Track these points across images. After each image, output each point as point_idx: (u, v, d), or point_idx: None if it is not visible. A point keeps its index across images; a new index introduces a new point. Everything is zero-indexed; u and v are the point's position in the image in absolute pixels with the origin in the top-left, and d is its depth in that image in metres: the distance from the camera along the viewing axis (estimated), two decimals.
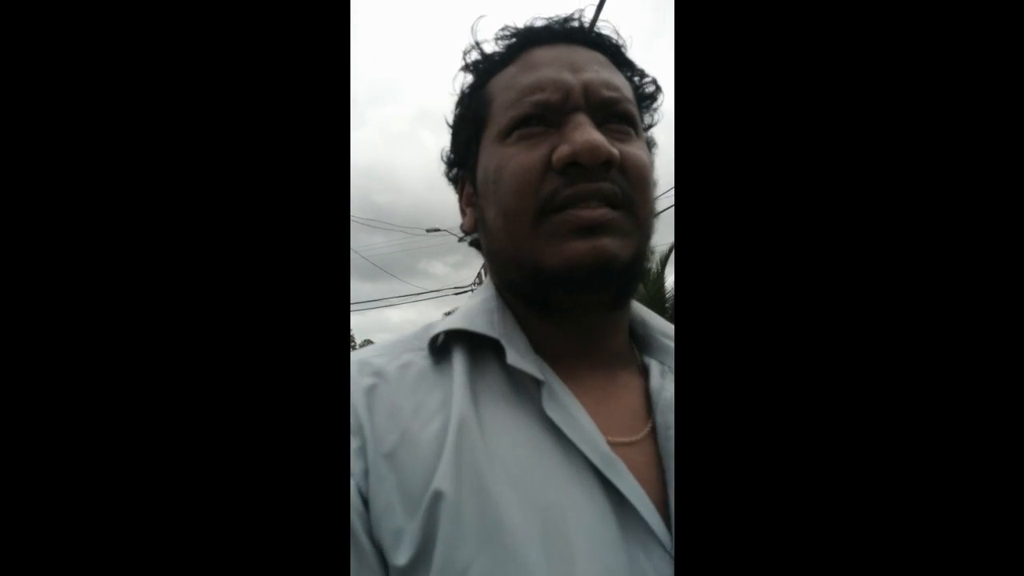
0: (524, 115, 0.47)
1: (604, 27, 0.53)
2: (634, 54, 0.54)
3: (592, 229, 0.43)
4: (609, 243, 0.44)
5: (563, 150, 0.44)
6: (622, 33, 0.53)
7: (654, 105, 0.56)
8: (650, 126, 0.56)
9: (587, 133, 0.44)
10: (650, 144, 0.55)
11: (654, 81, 0.56)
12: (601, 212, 0.44)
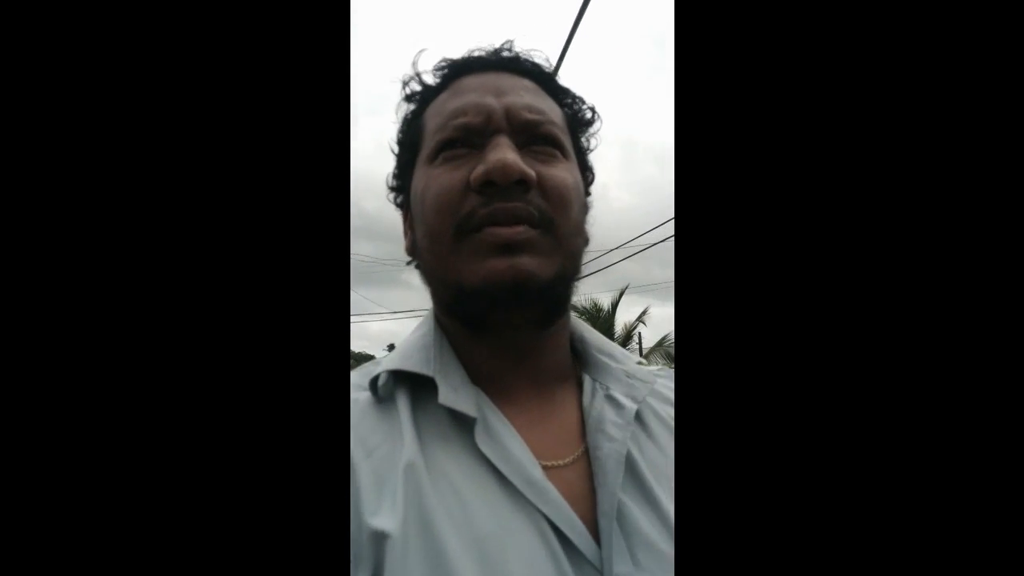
0: (448, 138, 0.49)
1: (536, 55, 0.55)
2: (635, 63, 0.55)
3: (510, 247, 0.44)
4: (527, 261, 0.44)
5: (478, 170, 0.45)
6: (550, 60, 0.55)
7: (591, 130, 0.58)
8: (588, 150, 0.58)
9: (501, 153, 0.45)
10: (585, 168, 0.57)
11: (592, 108, 0.57)
12: (518, 230, 0.45)
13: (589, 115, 0.57)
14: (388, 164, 0.59)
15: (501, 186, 0.45)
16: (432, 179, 0.48)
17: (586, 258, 0.54)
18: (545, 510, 0.42)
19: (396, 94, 0.57)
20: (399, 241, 0.58)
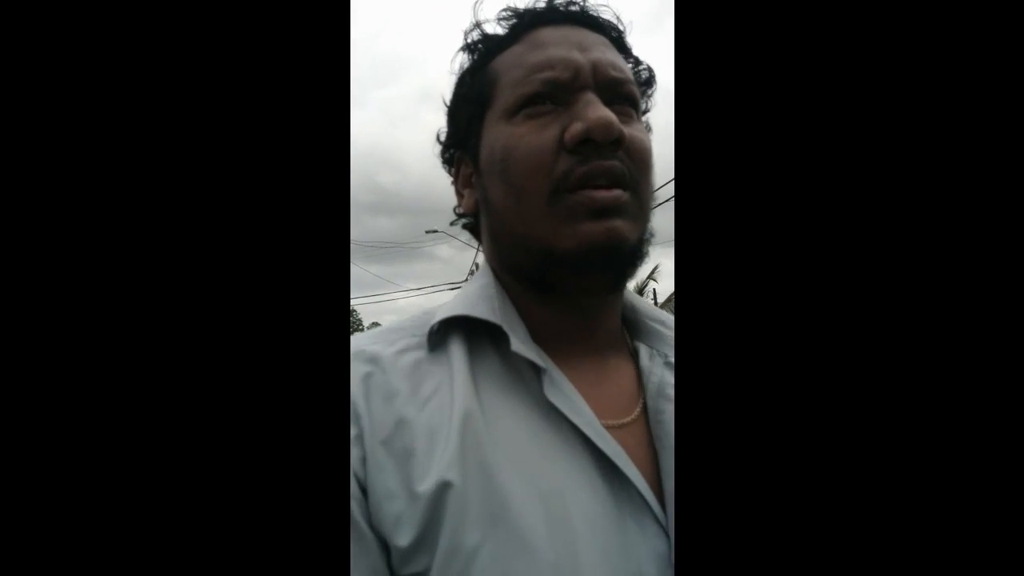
0: (533, 93, 0.47)
1: (605, 11, 0.53)
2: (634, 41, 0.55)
3: (606, 211, 0.44)
4: (621, 225, 0.44)
5: (576, 127, 0.44)
6: (622, 19, 0.54)
7: (649, 91, 0.57)
8: (646, 111, 0.57)
9: (599, 110, 0.44)
10: (648, 129, 0.56)
11: (649, 68, 0.56)
12: (615, 194, 0.44)
13: (647, 75, 0.56)
14: (400, 137, 0.55)
15: (599, 144, 0.44)
16: (518, 137, 0.46)
17: None
18: (619, 464, 0.42)
19: (402, 66, 0.55)
20: (419, 215, 0.56)
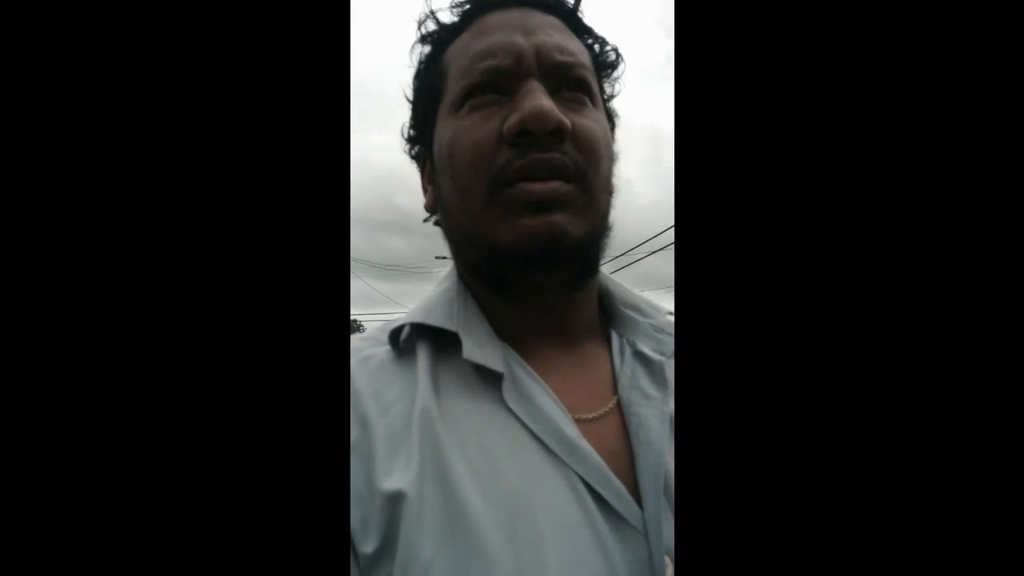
0: (475, 83, 0.45)
1: None
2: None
3: (543, 204, 0.42)
4: (561, 219, 0.42)
5: (512, 119, 0.42)
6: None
7: (615, 74, 0.54)
8: (611, 97, 0.54)
9: (536, 99, 0.42)
10: (610, 115, 0.53)
11: (615, 49, 0.53)
12: (552, 186, 0.42)
13: (613, 57, 0.53)
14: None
15: (536, 136, 0.41)
16: (460, 131, 0.45)
17: (612, 253, 0.52)
18: (580, 469, 0.39)
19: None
20: (432, 237, 0.55)
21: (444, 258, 0.54)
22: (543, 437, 0.41)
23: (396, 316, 0.53)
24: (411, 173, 0.57)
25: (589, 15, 0.52)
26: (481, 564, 0.35)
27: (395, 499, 0.37)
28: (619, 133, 0.54)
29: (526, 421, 0.41)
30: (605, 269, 0.55)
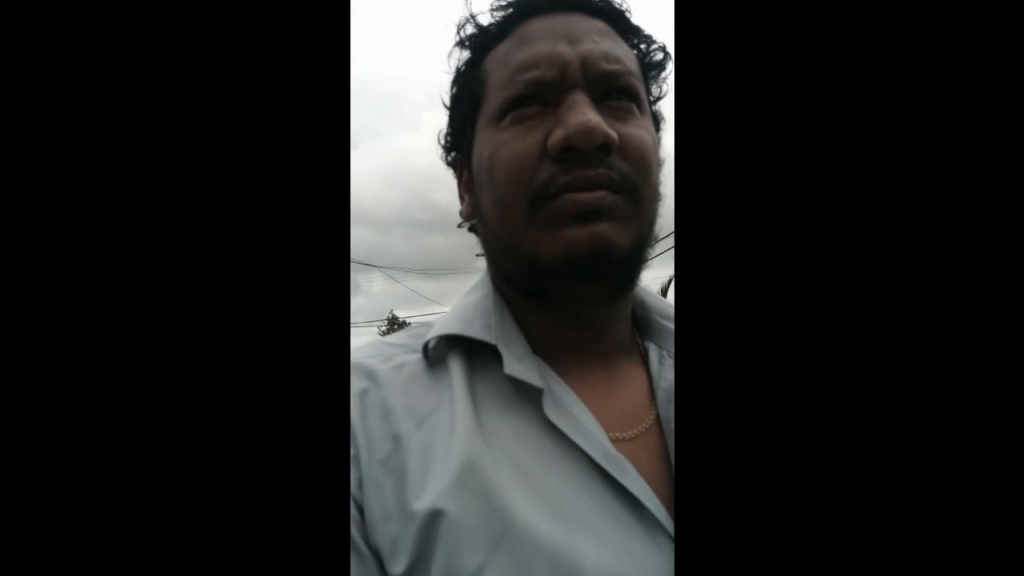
0: (518, 95, 0.43)
1: None
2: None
3: (589, 215, 0.40)
4: (607, 228, 0.40)
5: (557, 135, 0.41)
6: None
7: (662, 75, 0.51)
8: (657, 99, 0.51)
9: (583, 115, 0.40)
10: (657, 119, 0.51)
11: (662, 48, 0.50)
12: (598, 195, 0.40)
13: (660, 56, 0.50)
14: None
15: (583, 152, 0.40)
16: (502, 144, 0.43)
17: (665, 230, 0.49)
18: (624, 481, 0.39)
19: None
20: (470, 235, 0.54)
21: (482, 255, 0.53)
22: (588, 450, 0.40)
23: (438, 315, 0.52)
24: (446, 170, 0.56)
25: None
26: (540, 563, 0.35)
27: (433, 517, 0.36)
28: (665, 85, 0.52)
29: (569, 435, 0.40)
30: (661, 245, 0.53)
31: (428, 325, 0.49)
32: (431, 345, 0.46)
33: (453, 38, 0.51)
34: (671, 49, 0.30)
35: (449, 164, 0.54)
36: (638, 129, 0.44)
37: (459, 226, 0.55)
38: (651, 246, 0.47)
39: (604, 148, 0.41)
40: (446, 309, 0.57)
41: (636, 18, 0.49)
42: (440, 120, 0.55)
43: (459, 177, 0.53)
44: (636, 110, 0.45)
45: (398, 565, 0.36)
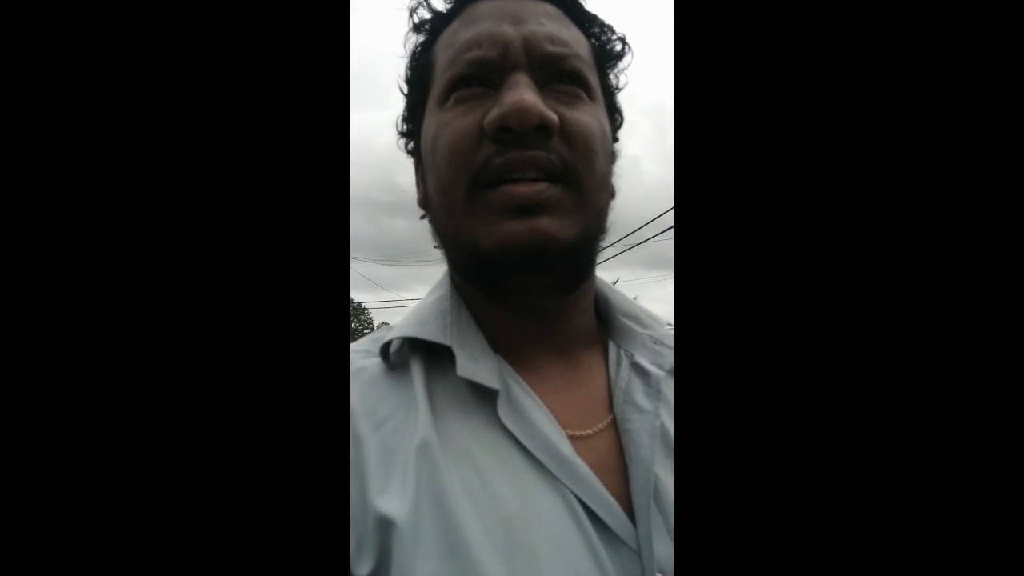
0: (460, 75, 0.42)
1: None
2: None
3: (527, 208, 0.39)
4: (547, 223, 0.39)
5: (492, 113, 0.39)
6: None
7: (621, 65, 0.50)
8: (616, 89, 0.51)
9: (518, 94, 0.39)
10: (613, 110, 0.50)
11: (622, 39, 0.50)
12: (537, 188, 0.39)
13: (619, 47, 0.50)
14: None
15: (519, 132, 0.39)
16: (443, 124, 0.42)
17: (619, 234, 0.50)
18: (574, 488, 0.38)
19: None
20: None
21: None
22: (538, 455, 0.39)
23: (400, 300, 0.52)
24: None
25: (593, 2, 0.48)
26: None
27: (387, 525, 0.36)
28: (623, 76, 0.51)
29: (521, 439, 0.40)
30: (613, 250, 0.53)
31: (389, 328, 0.48)
32: (392, 349, 0.45)
33: (407, 22, 0.49)
34: (671, 49, 0.30)
35: (408, 153, 0.53)
36: (583, 115, 0.42)
37: (421, 218, 0.53)
38: (601, 239, 0.46)
39: (543, 130, 0.39)
40: (408, 295, 0.56)
41: (594, 7, 0.48)
42: (398, 98, 0.52)
43: (416, 164, 0.52)
44: (584, 95, 0.44)
45: (362, 568, 0.36)
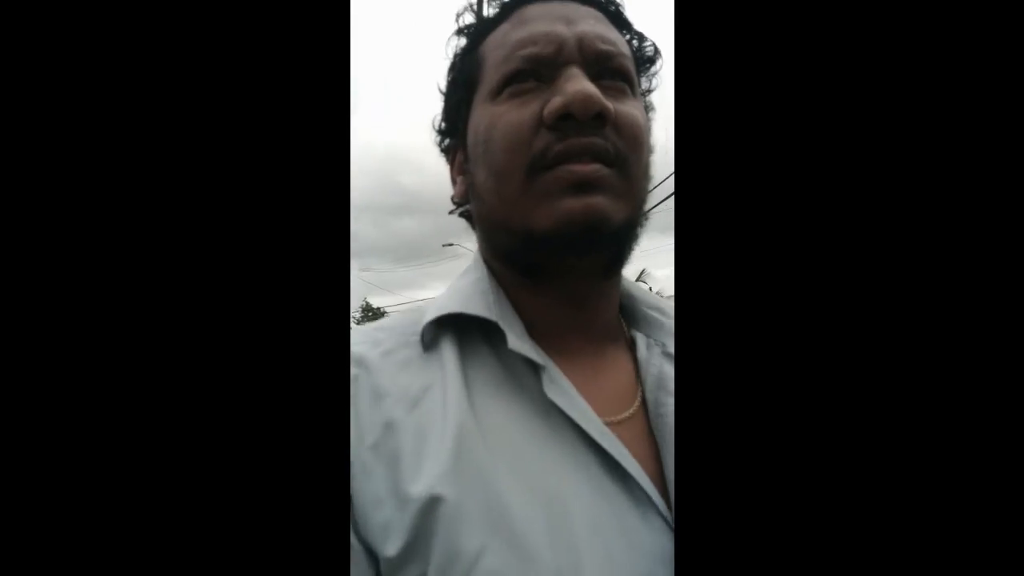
0: (515, 71, 0.45)
1: None
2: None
3: (584, 186, 0.41)
4: (602, 201, 0.42)
5: (555, 102, 0.42)
6: None
7: (653, 69, 0.54)
8: (649, 91, 0.54)
9: (580, 83, 0.42)
10: (648, 108, 0.53)
11: (654, 45, 0.53)
12: (594, 167, 0.42)
13: (651, 52, 0.53)
14: (422, 139, 0.55)
15: (579, 120, 0.41)
16: (498, 116, 0.44)
17: None
18: (621, 460, 0.40)
19: (433, 71, 0.53)
20: (441, 214, 0.55)
21: (451, 245, 0.54)
22: (587, 428, 0.41)
23: (414, 302, 0.53)
24: (412, 151, 0.57)
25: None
26: (525, 563, 0.35)
27: (431, 503, 0.37)
28: (655, 79, 0.54)
29: (570, 413, 0.41)
30: None
31: (417, 310, 0.50)
32: (427, 328, 0.46)
33: (452, 26, 0.53)
34: (671, 50, 0.32)
35: (443, 151, 0.55)
36: (631, 108, 0.45)
37: (450, 212, 0.55)
38: (642, 225, 0.48)
39: (599, 118, 0.42)
40: (422, 296, 0.58)
41: (631, 16, 0.51)
42: (403, 104, 0.55)
43: (451, 161, 0.54)
44: (629, 91, 0.46)
45: (391, 548, 0.37)
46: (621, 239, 0.45)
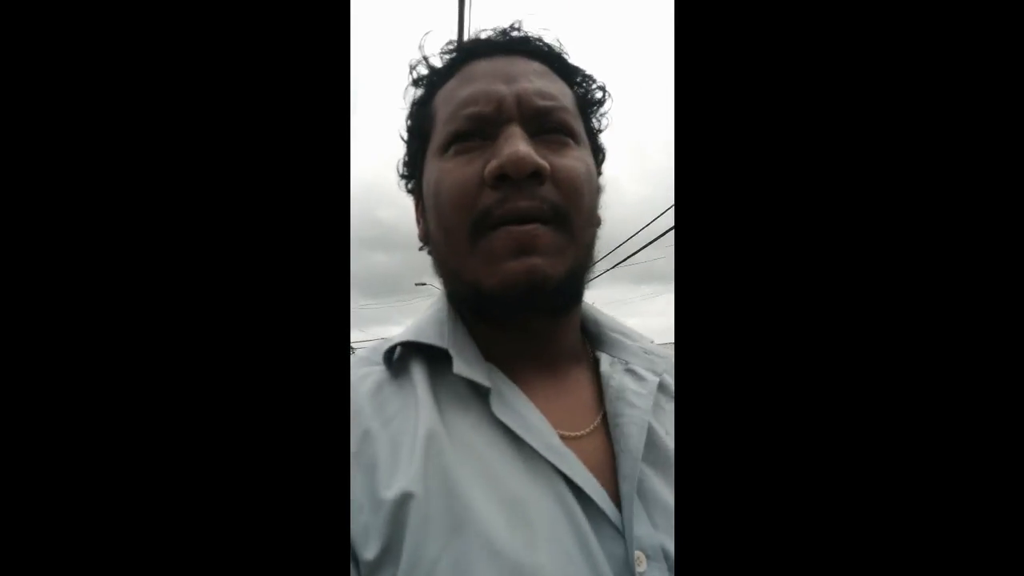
0: (459, 130, 0.48)
1: (545, 35, 0.54)
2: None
3: (523, 248, 0.44)
4: (540, 262, 0.44)
5: (492, 164, 0.45)
6: (562, 41, 0.54)
7: (601, 110, 0.57)
8: (598, 131, 0.57)
9: (514, 145, 0.44)
10: (597, 151, 0.56)
11: (602, 87, 0.56)
12: (530, 228, 0.44)
13: (600, 94, 0.56)
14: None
15: (515, 179, 0.44)
16: (445, 173, 0.48)
17: (605, 249, 0.54)
18: (567, 470, 0.42)
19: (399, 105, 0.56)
20: (414, 251, 0.57)
21: (423, 285, 0.54)
22: (533, 443, 0.43)
23: (389, 335, 0.55)
24: (391, 185, 0.59)
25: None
26: (488, 558, 0.37)
27: (403, 500, 0.39)
28: (604, 119, 0.57)
29: (515, 429, 0.44)
30: (603, 265, 0.55)
31: (387, 341, 0.52)
32: (394, 355, 0.49)
33: (407, 77, 0.56)
34: (671, 50, 0.32)
35: (408, 191, 0.58)
36: (571, 160, 0.48)
37: (420, 249, 0.58)
38: (589, 268, 0.51)
39: (536, 176, 0.45)
40: (392, 332, 0.60)
41: (576, 58, 0.55)
42: (378, 133, 0.56)
43: (416, 203, 0.57)
44: (571, 141, 0.49)
45: (370, 552, 0.38)
46: (565, 290, 0.47)
